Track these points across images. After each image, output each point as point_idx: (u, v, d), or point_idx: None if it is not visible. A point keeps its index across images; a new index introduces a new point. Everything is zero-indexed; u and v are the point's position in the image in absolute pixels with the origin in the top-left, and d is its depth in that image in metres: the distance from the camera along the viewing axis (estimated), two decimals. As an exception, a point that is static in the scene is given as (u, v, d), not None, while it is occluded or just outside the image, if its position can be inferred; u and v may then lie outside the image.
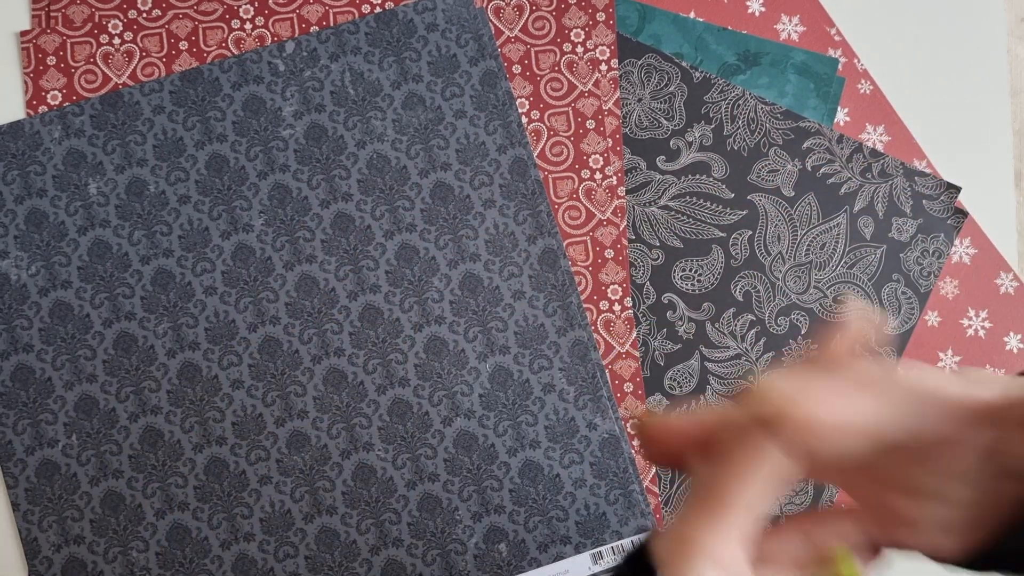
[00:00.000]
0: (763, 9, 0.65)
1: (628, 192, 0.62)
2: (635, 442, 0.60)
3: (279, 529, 0.57)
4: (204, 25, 0.62)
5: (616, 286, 0.61)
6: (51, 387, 0.58)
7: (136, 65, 0.61)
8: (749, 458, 0.31)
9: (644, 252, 0.62)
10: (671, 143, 0.63)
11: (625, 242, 0.62)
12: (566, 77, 0.62)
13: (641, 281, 0.62)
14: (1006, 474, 0.33)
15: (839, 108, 0.65)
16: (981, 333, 0.64)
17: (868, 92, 0.65)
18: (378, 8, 0.62)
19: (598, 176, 0.62)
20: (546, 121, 0.62)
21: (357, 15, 0.62)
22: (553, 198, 0.61)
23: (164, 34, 0.61)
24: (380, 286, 0.59)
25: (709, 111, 0.63)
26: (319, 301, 0.59)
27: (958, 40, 0.67)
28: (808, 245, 0.63)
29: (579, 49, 0.63)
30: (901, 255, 0.63)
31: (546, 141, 0.62)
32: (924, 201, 0.63)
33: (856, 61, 0.65)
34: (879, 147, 0.64)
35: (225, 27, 0.62)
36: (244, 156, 0.60)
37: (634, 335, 0.61)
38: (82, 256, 0.59)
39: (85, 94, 0.61)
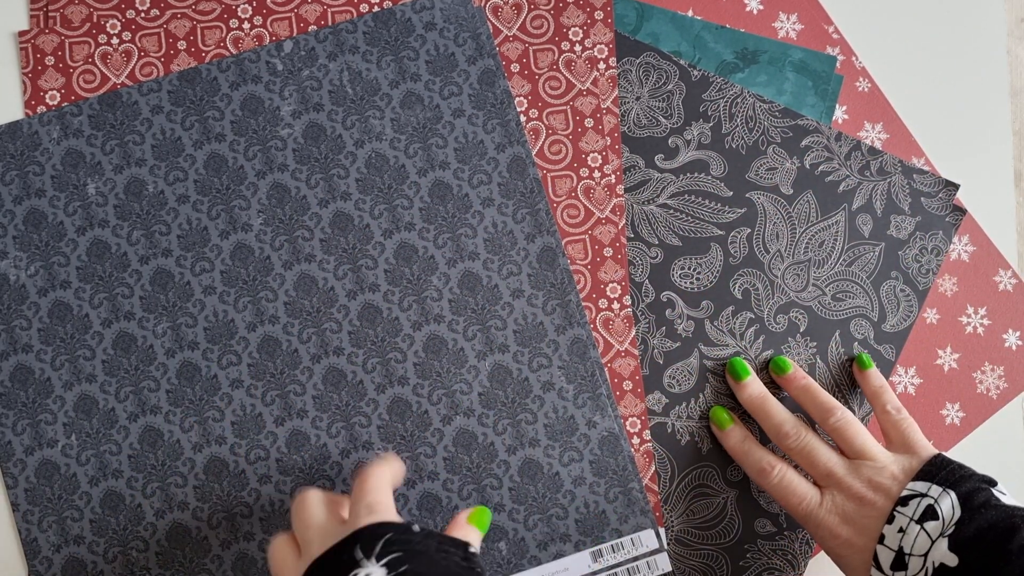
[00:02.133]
0: (761, 7, 0.65)
1: (627, 190, 0.62)
2: (634, 440, 0.60)
3: (279, 527, 0.57)
4: (202, 25, 0.62)
5: (615, 284, 0.61)
6: (50, 387, 0.58)
7: (134, 65, 0.61)
8: None
9: (643, 250, 0.62)
10: (669, 141, 0.63)
11: (624, 240, 0.62)
12: (564, 76, 0.62)
13: (640, 279, 0.62)
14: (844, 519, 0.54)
15: (837, 106, 0.65)
16: (980, 330, 0.64)
17: (866, 90, 0.65)
18: (376, 7, 0.62)
19: (597, 174, 0.62)
20: (544, 119, 0.62)
21: (355, 14, 0.62)
22: (552, 196, 0.61)
23: (162, 34, 0.61)
24: (379, 285, 0.59)
25: (707, 109, 0.63)
26: (318, 300, 0.59)
27: (958, 40, 0.67)
28: (807, 243, 0.63)
29: (577, 47, 0.63)
30: (900, 252, 0.63)
31: (545, 139, 0.62)
32: (922, 199, 0.63)
33: (854, 59, 0.65)
34: (877, 145, 0.64)
35: (223, 26, 0.62)
36: (242, 155, 0.60)
37: (633, 333, 0.61)
38: (81, 256, 0.59)
39: (83, 94, 0.60)
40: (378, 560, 0.43)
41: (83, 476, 0.57)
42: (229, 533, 0.57)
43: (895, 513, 0.52)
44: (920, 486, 0.52)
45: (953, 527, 0.49)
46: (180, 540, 0.57)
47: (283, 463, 0.58)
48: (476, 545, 0.50)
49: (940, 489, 0.51)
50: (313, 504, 0.49)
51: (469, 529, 0.53)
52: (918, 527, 0.50)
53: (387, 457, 0.54)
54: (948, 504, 0.50)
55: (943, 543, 0.49)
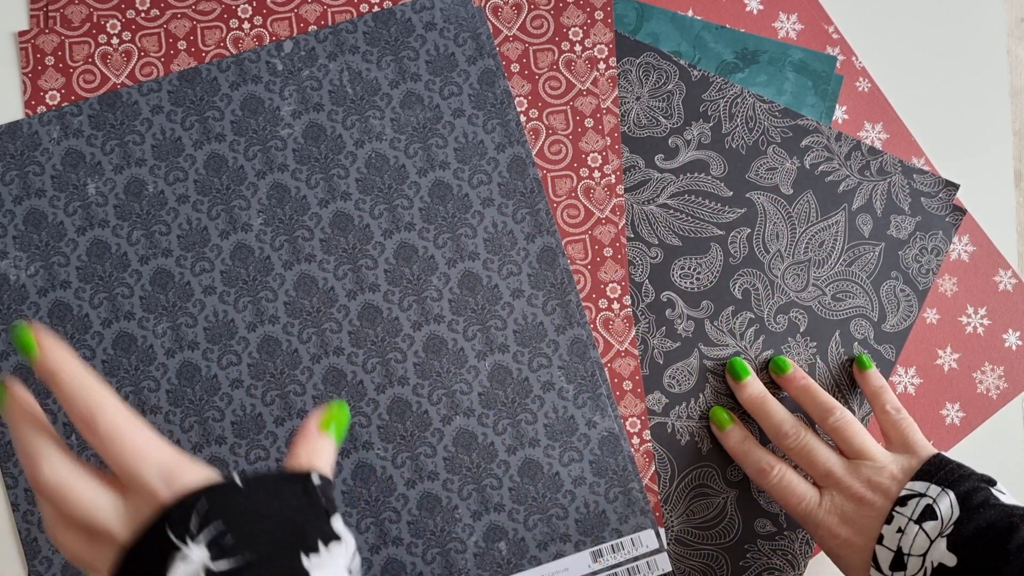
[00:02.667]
0: (761, 7, 0.65)
1: (627, 190, 0.62)
2: (634, 440, 0.60)
3: (279, 528, 0.58)
4: (202, 25, 0.62)
5: (615, 284, 0.61)
6: (50, 387, 0.58)
7: (134, 65, 0.61)
8: None
9: (643, 250, 0.62)
10: (669, 141, 0.63)
11: (624, 240, 0.62)
12: (564, 76, 0.62)
13: (640, 279, 0.62)
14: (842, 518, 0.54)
15: (837, 106, 0.65)
16: (980, 330, 0.64)
17: (866, 90, 0.65)
18: (376, 7, 0.62)
19: (596, 174, 0.62)
20: (544, 120, 0.62)
21: (355, 14, 0.62)
22: (552, 196, 0.61)
23: (162, 34, 0.61)
24: (379, 285, 0.59)
25: (707, 109, 0.63)
26: (318, 300, 0.59)
27: (958, 40, 0.67)
28: (807, 243, 0.63)
29: (577, 48, 0.63)
30: (900, 252, 0.63)
31: (544, 139, 0.62)
32: (922, 199, 0.63)
33: (854, 59, 0.65)
34: (877, 145, 0.64)
35: (223, 26, 0.62)
36: (243, 155, 0.60)
37: (633, 333, 0.61)
38: (81, 256, 0.59)
39: (83, 94, 0.60)
40: (196, 539, 0.36)
41: (83, 476, 0.57)
42: (229, 533, 0.57)
43: (894, 513, 0.52)
44: (919, 486, 0.52)
45: (951, 527, 0.49)
46: (180, 540, 0.57)
47: (283, 463, 0.58)
48: (325, 466, 0.42)
49: (939, 489, 0.51)
50: (81, 485, 0.39)
51: (321, 440, 0.43)
52: (917, 527, 0.50)
53: (100, 389, 0.40)
54: (947, 504, 0.50)
55: (942, 543, 0.49)
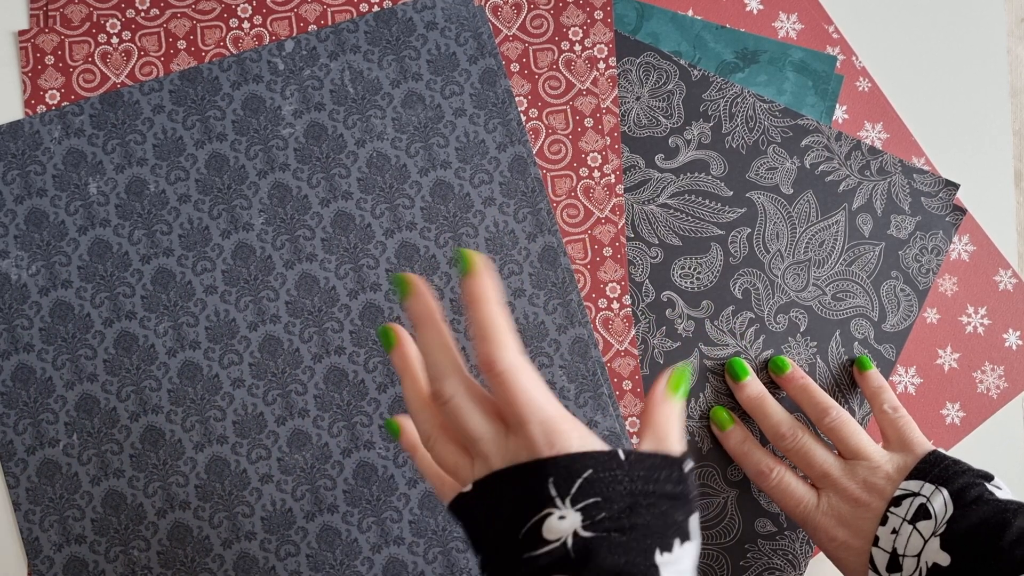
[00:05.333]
0: (761, 7, 0.65)
1: (627, 190, 0.62)
2: (635, 439, 0.60)
3: (280, 528, 0.58)
4: (202, 24, 0.62)
5: (615, 284, 0.61)
6: (52, 387, 0.58)
7: (134, 64, 0.61)
8: None
9: (643, 250, 0.62)
10: (669, 141, 0.63)
11: (623, 240, 0.62)
12: (564, 75, 0.63)
13: (640, 279, 0.62)
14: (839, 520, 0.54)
15: (837, 106, 0.65)
16: (980, 330, 0.64)
17: (866, 89, 0.65)
18: (376, 7, 0.62)
19: (596, 174, 0.62)
20: (544, 119, 0.62)
21: (355, 14, 0.62)
22: (551, 196, 0.61)
23: (162, 33, 0.61)
24: (380, 284, 0.59)
25: (707, 109, 0.63)
26: (319, 300, 0.59)
27: (958, 39, 0.67)
28: (807, 243, 0.63)
29: (577, 47, 0.63)
30: (900, 252, 0.63)
31: (544, 139, 0.62)
32: (922, 198, 0.64)
33: (854, 58, 0.65)
34: (877, 144, 0.65)
35: (223, 26, 0.62)
36: (244, 155, 0.60)
37: (633, 333, 0.61)
38: (82, 255, 0.59)
39: (83, 93, 0.60)
40: (574, 504, 0.37)
41: (85, 475, 0.57)
42: (231, 532, 0.58)
43: (888, 514, 0.51)
44: (913, 485, 0.52)
45: (945, 525, 0.49)
46: (181, 539, 0.57)
47: (284, 462, 0.58)
48: (680, 441, 0.42)
49: (932, 487, 0.51)
50: (473, 411, 0.41)
51: (671, 407, 0.42)
52: (911, 527, 0.50)
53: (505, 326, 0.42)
54: (940, 502, 0.50)
55: (935, 542, 0.49)
